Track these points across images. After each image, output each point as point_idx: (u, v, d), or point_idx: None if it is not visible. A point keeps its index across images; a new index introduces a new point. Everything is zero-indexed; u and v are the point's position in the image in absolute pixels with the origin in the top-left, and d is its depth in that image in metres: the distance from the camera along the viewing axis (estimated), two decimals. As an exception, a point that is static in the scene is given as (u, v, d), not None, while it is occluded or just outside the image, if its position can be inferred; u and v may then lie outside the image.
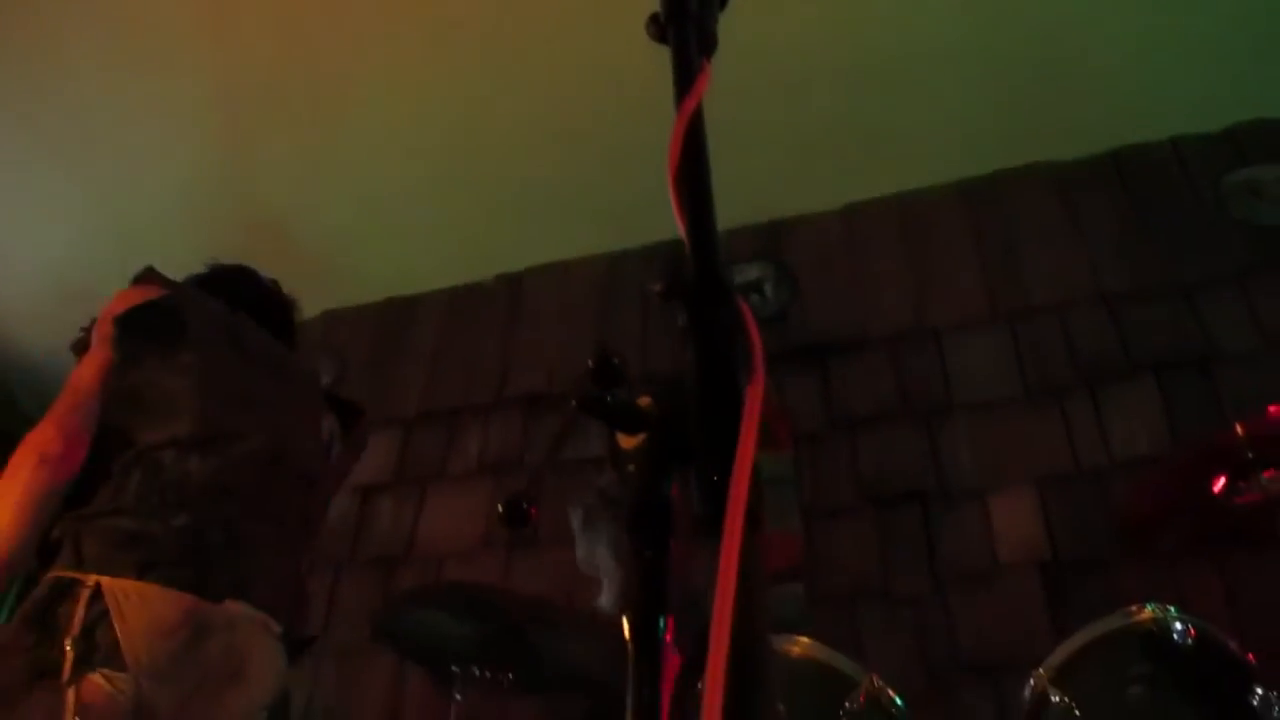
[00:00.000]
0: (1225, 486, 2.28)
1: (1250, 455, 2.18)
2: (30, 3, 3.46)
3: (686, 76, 0.78)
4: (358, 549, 3.63)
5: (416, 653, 2.70)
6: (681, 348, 0.67)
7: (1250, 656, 1.90)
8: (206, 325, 2.29)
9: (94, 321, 2.24)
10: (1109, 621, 1.98)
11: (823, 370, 3.48)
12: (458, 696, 2.44)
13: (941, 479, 3.15)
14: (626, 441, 0.71)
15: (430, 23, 3.44)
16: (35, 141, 3.87)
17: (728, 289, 0.68)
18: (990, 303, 3.43)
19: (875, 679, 2.01)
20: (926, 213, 3.72)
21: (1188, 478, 2.41)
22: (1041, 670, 2.00)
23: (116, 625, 1.85)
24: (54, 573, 1.94)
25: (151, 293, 2.27)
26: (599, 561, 2.88)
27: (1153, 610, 1.96)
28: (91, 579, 1.89)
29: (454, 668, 2.44)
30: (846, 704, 1.97)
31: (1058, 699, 1.94)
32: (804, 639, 2.06)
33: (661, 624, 0.66)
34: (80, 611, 1.86)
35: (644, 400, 0.71)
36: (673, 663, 0.66)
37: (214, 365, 2.23)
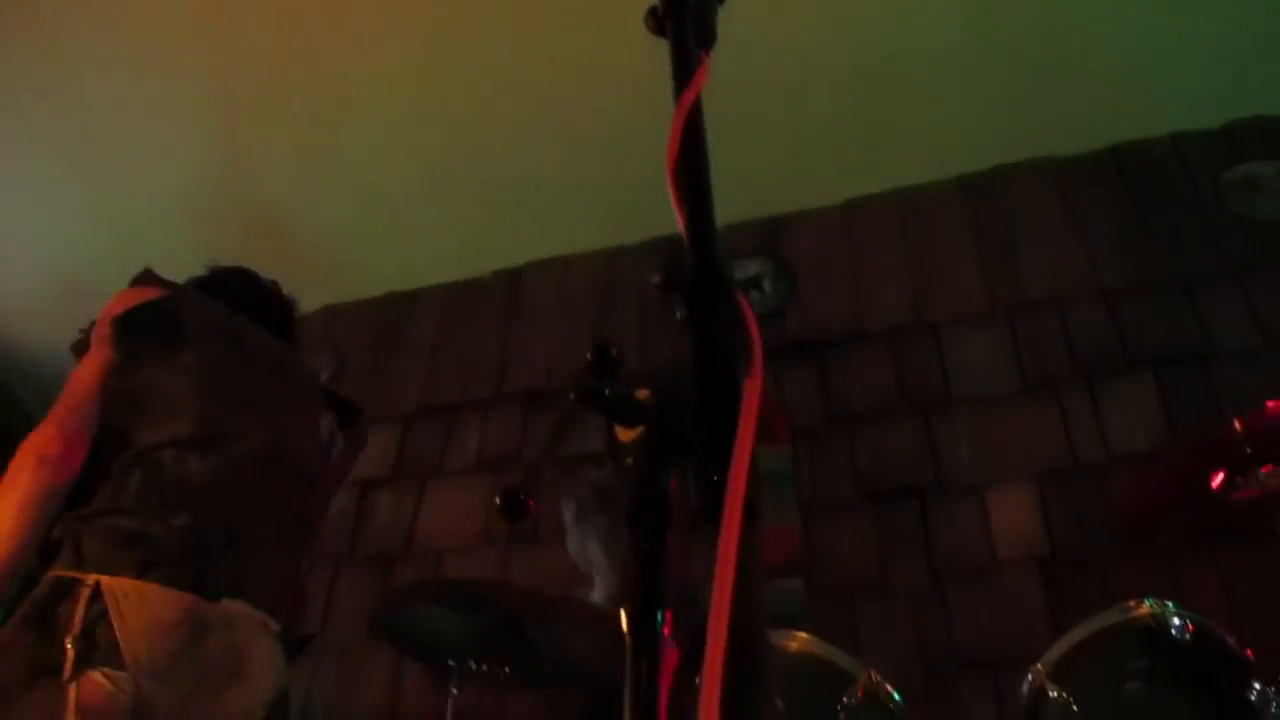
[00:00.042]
0: (1223, 482, 2.28)
1: (1248, 451, 2.18)
2: (30, 2, 3.46)
3: (685, 70, 0.78)
4: (356, 544, 3.63)
5: (415, 648, 2.70)
6: (680, 341, 0.67)
7: (1248, 652, 1.90)
8: (205, 326, 2.29)
9: (93, 323, 2.24)
10: (1107, 617, 1.98)
11: (821, 365, 3.48)
12: (455, 691, 2.44)
13: (940, 474, 3.15)
14: (625, 434, 0.71)
15: (429, 21, 3.44)
16: (35, 138, 3.87)
17: (726, 282, 0.68)
18: (989, 298, 3.43)
19: (873, 674, 2.01)
20: (926, 208, 3.72)
21: (1186, 473, 2.41)
22: (1039, 665, 2.00)
23: (116, 624, 1.86)
24: (54, 572, 1.94)
25: (150, 294, 2.27)
26: (590, 557, 2.89)
27: (1151, 605, 1.95)
28: (91, 578, 1.90)
29: (452, 662, 2.44)
30: (844, 699, 1.97)
31: (1055, 694, 1.94)
32: (802, 634, 2.06)
33: (659, 617, 0.67)
34: (80, 610, 1.86)
35: (642, 393, 0.71)
36: (671, 656, 0.67)
37: (213, 365, 2.24)
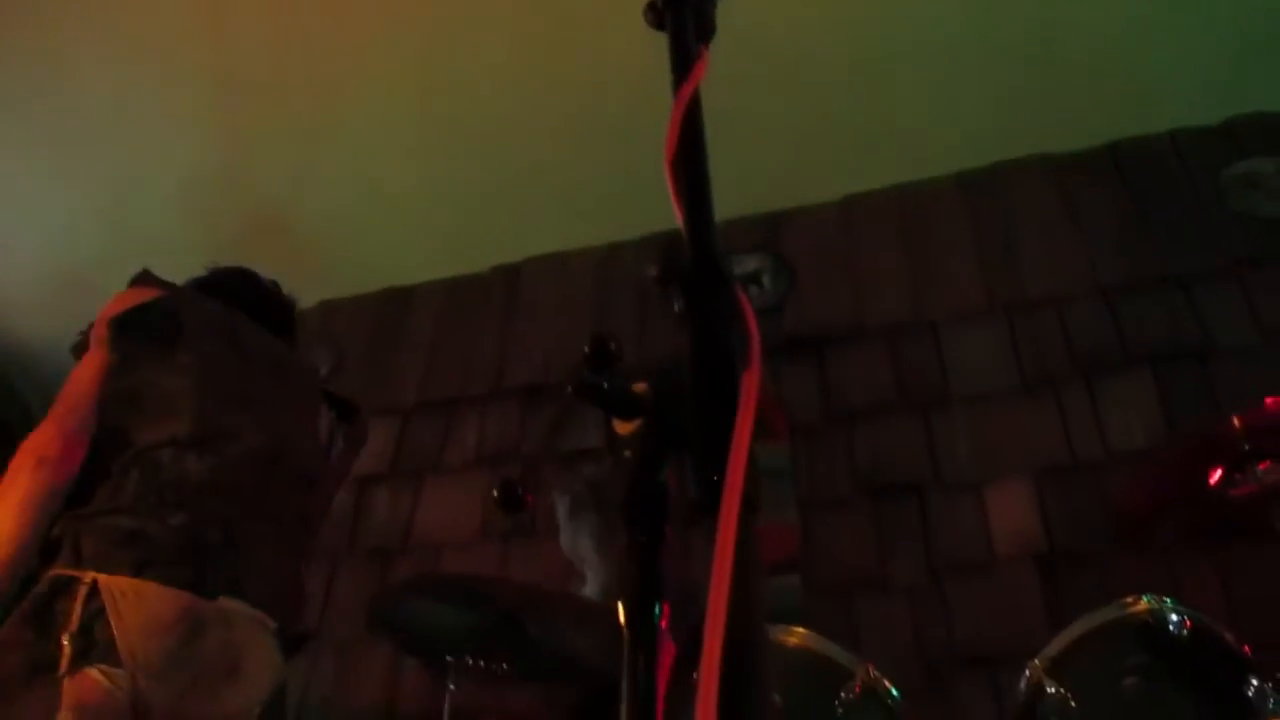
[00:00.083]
0: (1222, 479, 2.28)
1: (1247, 447, 2.18)
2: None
3: (684, 62, 0.78)
4: (354, 540, 3.63)
5: (412, 643, 2.70)
6: (678, 333, 0.66)
7: (1246, 648, 1.91)
8: (204, 326, 2.30)
9: (93, 324, 2.25)
10: (1105, 613, 1.98)
11: (820, 362, 3.48)
12: (453, 686, 2.44)
13: (938, 471, 3.15)
14: (622, 427, 0.71)
15: (427, 17, 3.44)
16: (34, 133, 3.87)
17: (725, 275, 0.68)
18: (988, 295, 3.43)
19: (871, 669, 2.01)
20: (925, 205, 3.72)
21: (1184, 470, 2.41)
22: (1037, 661, 2.00)
23: (113, 622, 1.87)
24: (53, 571, 1.95)
25: (148, 294, 2.28)
26: (582, 553, 2.89)
27: (1149, 602, 1.95)
28: (89, 576, 1.91)
29: (449, 658, 2.44)
30: (842, 694, 1.97)
31: (1053, 690, 1.94)
32: (800, 629, 2.06)
33: (657, 610, 0.66)
34: (77, 608, 1.87)
35: (640, 386, 0.71)
36: (668, 650, 0.66)
37: (211, 365, 2.24)
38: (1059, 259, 3.41)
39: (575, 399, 0.70)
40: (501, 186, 3.87)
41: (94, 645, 1.85)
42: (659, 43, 0.83)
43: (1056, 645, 2.00)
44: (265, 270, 2.63)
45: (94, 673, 1.83)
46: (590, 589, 2.80)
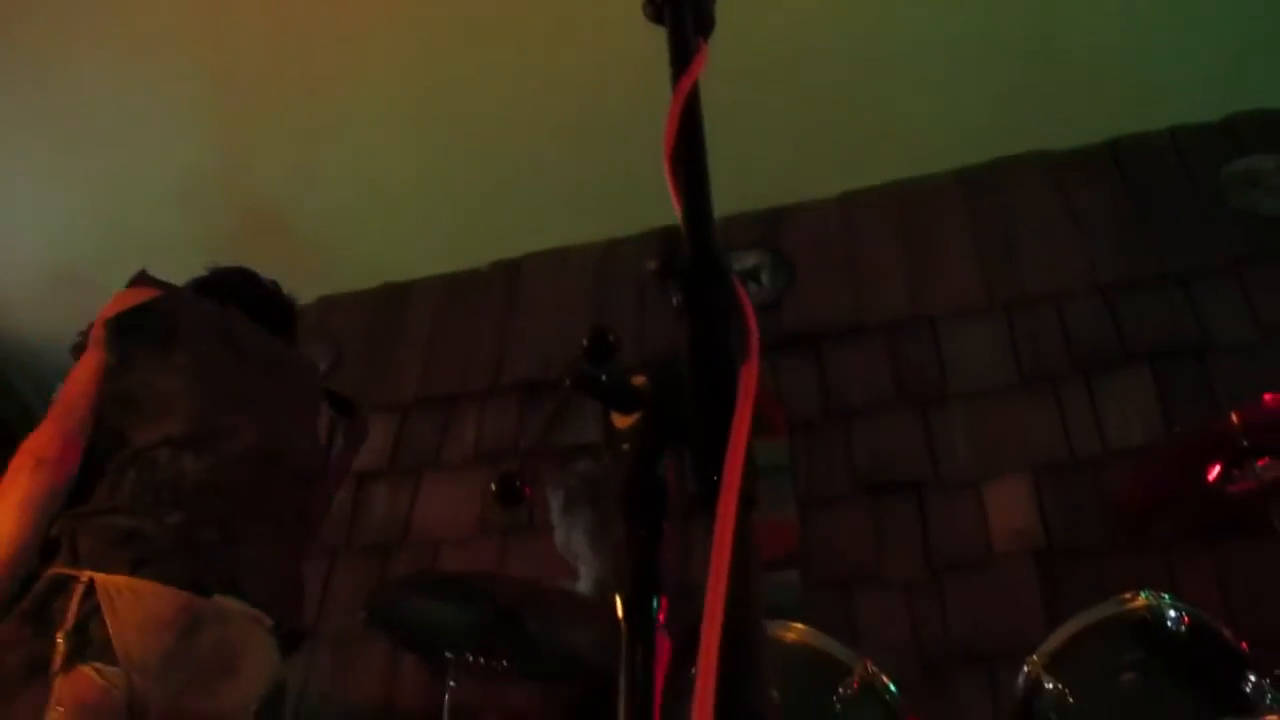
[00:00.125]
0: (1220, 475, 2.29)
1: (1245, 444, 2.19)
2: (30, -3, 3.46)
3: (683, 56, 0.78)
4: (353, 536, 3.63)
5: (411, 639, 2.70)
6: (677, 327, 0.66)
7: (1243, 644, 1.91)
8: (200, 326, 2.30)
9: (91, 325, 2.26)
10: (1103, 609, 1.98)
11: (818, 358, 3.48)
12: (452, 683, 2.45)
13: (936, 467, 3.16)
14: (621, 421, 0.71)
15: (427, 12, 3.43)
16: (33, 129, 3.86)
17: (724, 269, 0.68)
18: (987, 291, 3.43)
19: (869, 665, 2.01)
20: (924, 201, 3.72)
21: (1182, 466, 2.42)
22: (1035, 657, 2.00)
23: (109, 620, 1.87)
24: (51, 570, 1.96)
25: (145, 295, 2.29)
26: (575, 548, 2.89)
27: (1146, 598, 1.96)
28: (85, 575, 1.91)
29: (448, 654, 2.44)
30: (840, 690, 1.97)
31: (1051, 686, 1.94)
32: (798, 625, 2.06)
33: (655, 604, 0.66)
34: (74, 606, 1.88)
35: (638, 379, 0.71)
36: (666, 645, 0.66)
37: (208, 365, 2.25)
38: (1058, 256, 3.41)
39: (574, 391, 0.70)
40: (501, 182, 3.87)
41: (89, 643, 1.85)
42: (658, 39, 0.83)
43: (1054, 641, 2.00)
44: (264, 267, 2.63)
45: (89, 670, 1.83)
46: (584, 585, 2.80)
